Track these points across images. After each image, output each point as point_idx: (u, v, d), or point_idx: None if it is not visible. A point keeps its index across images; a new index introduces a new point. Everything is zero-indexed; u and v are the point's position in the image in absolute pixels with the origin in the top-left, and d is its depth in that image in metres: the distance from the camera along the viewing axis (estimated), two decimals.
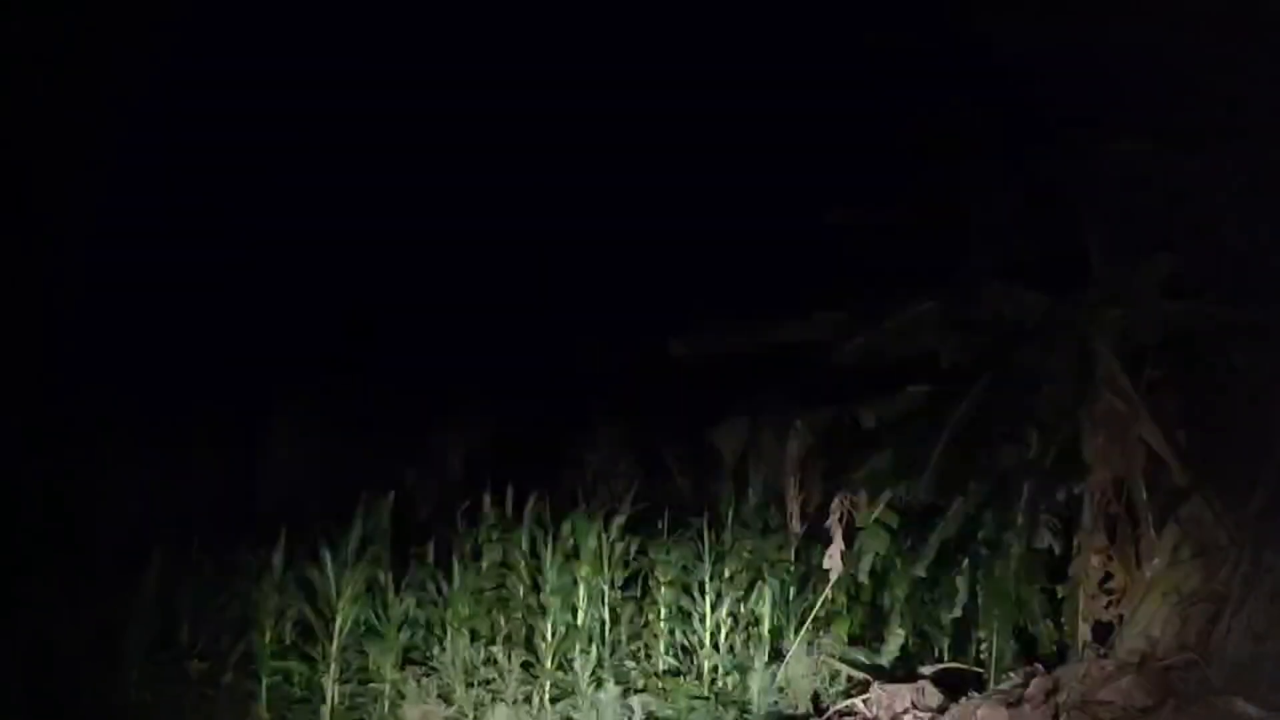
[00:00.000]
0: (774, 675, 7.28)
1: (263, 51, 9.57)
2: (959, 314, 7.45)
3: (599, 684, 7.27)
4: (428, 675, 7.53)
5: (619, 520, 7.92)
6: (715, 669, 7.49)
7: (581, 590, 7.75)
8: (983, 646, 7.04)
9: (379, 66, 9.91)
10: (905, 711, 6.71)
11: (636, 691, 7.28)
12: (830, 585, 7.47)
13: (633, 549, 7.97)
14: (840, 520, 7.41)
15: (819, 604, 7.50)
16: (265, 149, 9.95)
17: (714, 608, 7.63)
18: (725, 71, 10.15)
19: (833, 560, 7.32)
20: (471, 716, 7.34)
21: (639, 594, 7.90)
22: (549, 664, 7.55)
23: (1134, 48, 7.68)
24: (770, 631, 7.71)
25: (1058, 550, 6.92)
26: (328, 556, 7.62)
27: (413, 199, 10.35)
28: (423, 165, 10.39)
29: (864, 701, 6.87)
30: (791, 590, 7.81)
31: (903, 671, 7.25)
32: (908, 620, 7.47)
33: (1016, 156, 7.75)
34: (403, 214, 10.32)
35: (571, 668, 7.45)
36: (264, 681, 7.47)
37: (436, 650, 7.67)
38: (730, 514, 8.16)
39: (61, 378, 9.20)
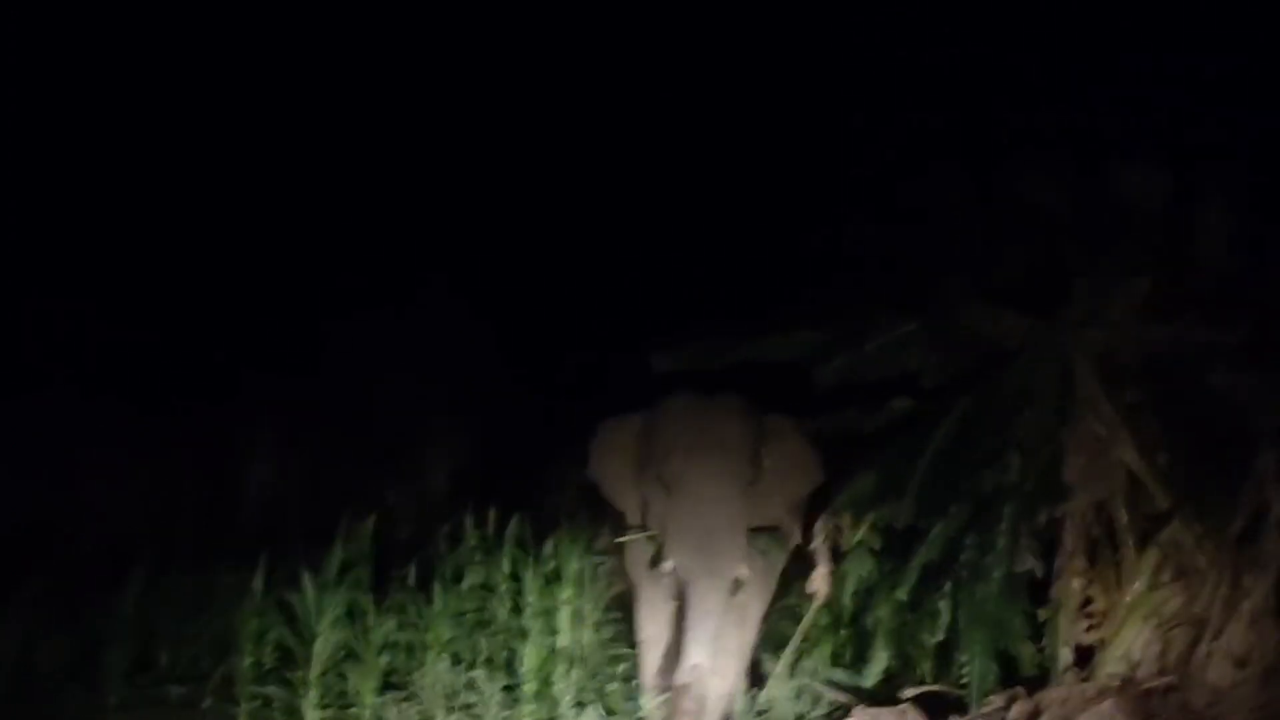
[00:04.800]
0: (754, 699, 7.28)
1: None
2: (940, 335, 7.46)
3: (580, 708, 7.26)
4: (408, 700, 7.49)
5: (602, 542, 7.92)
6: None
7: (564, 613, 7.72)
8: (965, 669, 7.02)
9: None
10: None
11: (618, 715, 7.26)
12: (814, 608, 7.47)
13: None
14: (825, 543, 7.43)
15: (803, 628, 7.47)
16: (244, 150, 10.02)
17: None
18: (709, 84, 10.20)
19: (819, 583, 7.33)
20: None
21: (621, 617, 7.85)
22: (530, 688, 7.54)
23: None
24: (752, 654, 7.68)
25: (1039, 573, 6.92)
26: (308, 580, 7.61)
27: (391, 207, 10.39)
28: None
29: None
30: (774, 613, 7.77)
31: (885, 694, 7.23)
32: (891, 643, 7.46)
33: (998, 176, 7.79)
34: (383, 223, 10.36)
35: (553, 692, 7.48)
36: (244, 706, 7.44)
37: (417, 674, 7.64)
38: None
39: (38, 393, 9.17)
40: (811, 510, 7.38)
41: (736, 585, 7.00)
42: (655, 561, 7.23)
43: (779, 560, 7.46)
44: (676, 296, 9.62)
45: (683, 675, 6.79)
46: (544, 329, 9.93)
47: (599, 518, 7.98)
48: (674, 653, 7.02)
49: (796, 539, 7.45)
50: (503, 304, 9.96)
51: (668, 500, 7.21)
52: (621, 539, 7.51)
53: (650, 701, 7.17)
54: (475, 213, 10.29)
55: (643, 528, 7.35)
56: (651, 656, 7.31)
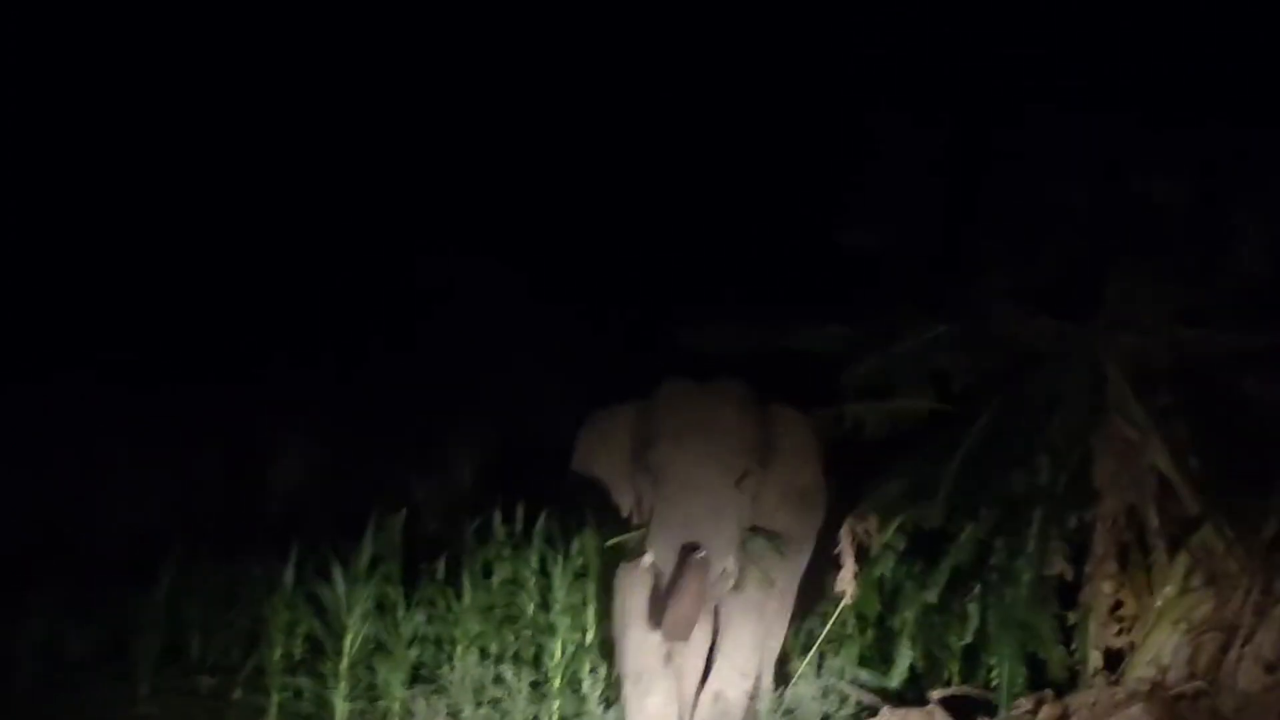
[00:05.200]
0: (782, 698, 7.29)
1: None
2: (971, 337, 7.46)
3: (608, 704, 7.28)
4: (436, 693, 7.53)
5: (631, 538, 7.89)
6: None
7: (592, 609, 7.74)
8: (993, 672, 7.01)
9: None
10: None
11: None
12: (840, 608, 7.45)
13: None
14: (852, 544, 7.40)
15: (828, 627, 7.46)
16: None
17: None
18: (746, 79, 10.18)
19: (844, 584, 7.30)
20: None
21: None
22: (558, 683, 7.56)
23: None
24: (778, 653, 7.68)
25: (1069, 577, 6.92)
26: (338, 573, 7.66)
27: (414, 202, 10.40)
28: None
29: None
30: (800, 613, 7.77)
31: (912, 695, 7.24)
32: (918, 644, 7.46)
33: (1031, 180, 7.78)
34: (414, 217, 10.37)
35: (581, 687, 7.50)
36: (274, 697, 7.50)
37: (446, 668, 7.68)
38: None
39: (68, 384, 9.23)
40: (837, 512, 7.34)
41: (725, 578, 6.80)
42: (636, 554, 6.96)
43: (798, 561, 7.25)
44: (711, 290, 9.59)
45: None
46: (576, 322, 9.93)
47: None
48: (652, 651, 6.84)
49: (808, 539, 7.27)
50: (534, 298, 9.97)
51: (654, 489, 6.93)
52: (614, 541, 7.33)
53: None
54: (505, 207, 10.30)
55: (637, 525, 7.13)
56: (629, 654, 6.98)
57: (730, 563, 6.78)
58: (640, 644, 6.84)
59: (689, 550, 6.58)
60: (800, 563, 7.27)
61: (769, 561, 7.01)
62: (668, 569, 6.68)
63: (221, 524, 9.08)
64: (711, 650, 7.01)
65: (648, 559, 6.80)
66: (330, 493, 9.24)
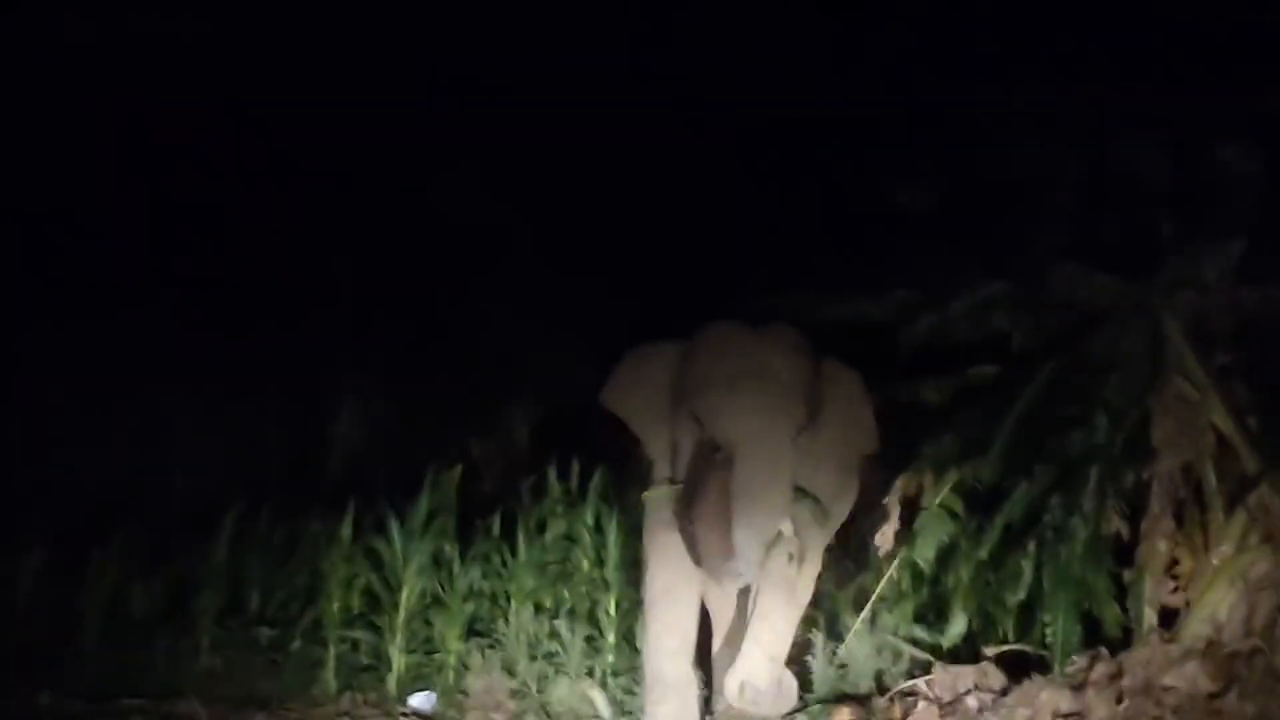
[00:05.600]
0: (834, 653, 7.29)
1: None
2: (1030, 296, 7.43)
3: None
4: (492, 647, 7.61)
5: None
6: None
7: None
8: (1047, 630, 6.97)
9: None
10: (968, 693, 6.67)
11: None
12: (894, 566, 7.43)
13: None
14: (899, 499, 7.37)
15: (881, 584, 7.45)
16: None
17: None
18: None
19: (884, 538, 7.24)
20: (535, 689, 7.42)
21: None
22: (612, 638, 7.62)
23: None
24: (831, 610, 7.70)
25: (1125, 535, 6.87)
26: (395, 528, 7.74)
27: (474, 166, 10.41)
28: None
29: (926, 682, 6.86)
30: (852, 569, 7.78)
31: (966, 653, 7.21)
32: (971, 602, 7.41)
33: (1090, 138, 7.74)
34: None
35: (635, 642, 7.54)
36: (332, 650, 7.62)
37: (501, 623, 7.75)
38: None
39: (127, 344, 9.32)
40: (891, 468, 7.32)
41: (778, 543, 6.51)
42: (681, 514, 6.66)
43: (829, 529, 7.07)
44: (767, 253, 9.58)
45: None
46: (634, 284, 9.90)
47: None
48: (687, 622, 6.72)
49: (845, 506, 7.15)
50: (593, 257, 9.95)
51: (702, 440, 6.55)
52: (651, 493, 6.99)
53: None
54: (562, 170, 10.30)
55: (671, 478, 6.82)
56: (660, 625, 6.84)
57: (787, 526, 6.50)
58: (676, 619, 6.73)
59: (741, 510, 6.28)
60: (831, 530, 7.13)
61: (808, 530, 6.83)
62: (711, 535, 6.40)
63: (281, 479, 9.17)
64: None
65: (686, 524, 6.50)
66: (388, 449, 9.32)
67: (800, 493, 6.75)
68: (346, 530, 7.92)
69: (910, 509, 7.37)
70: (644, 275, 9.84)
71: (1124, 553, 6.96)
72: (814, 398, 6.82)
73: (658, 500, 6.92)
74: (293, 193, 9.85)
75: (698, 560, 6.58)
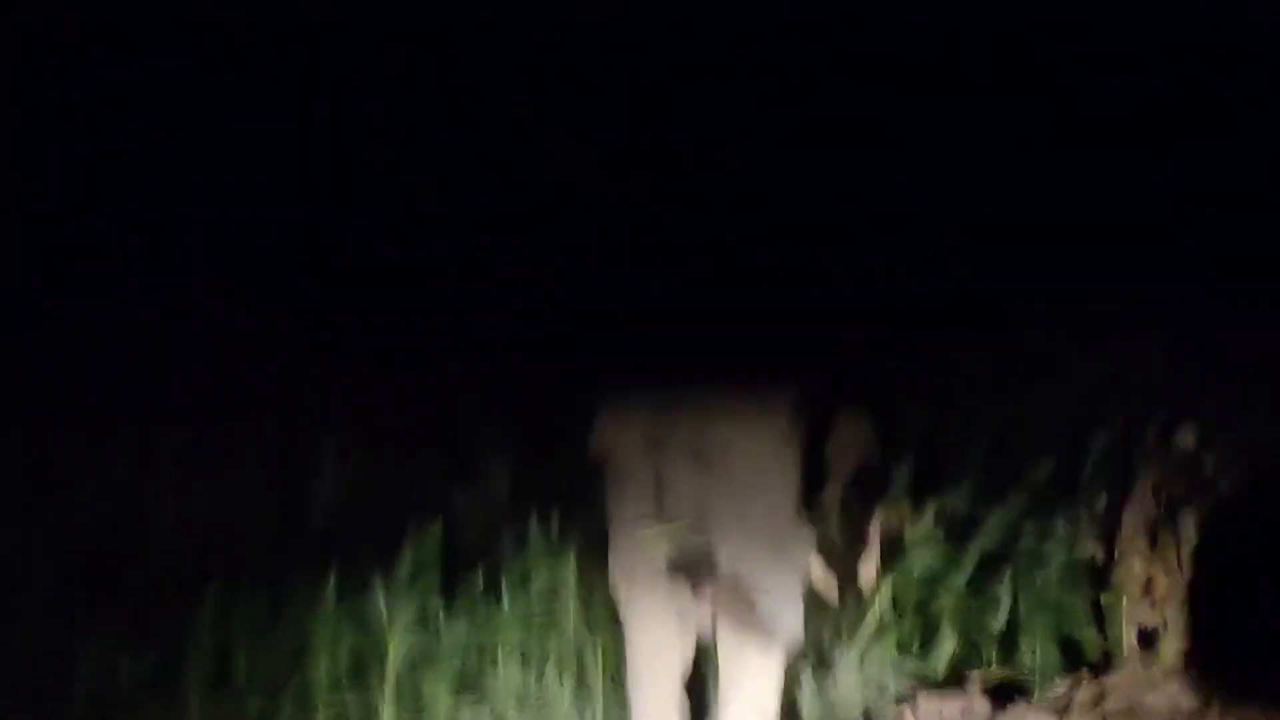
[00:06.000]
0: (821, 686, 7.33)
1: None
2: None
3: None
4: (481, 701, 7.61)
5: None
6: None
7: None
8: (1028, 656, 7.05)
9: None
10: None
11: None
12: (878, 595, 7.48)
13: None
14: (880, 530, 7.43)
15: (867, 615, 7.50)
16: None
17: None
18: None
19: (868, 572, 7.30)
20: None
21: None
22: (600, 686, 7.63)
23: None
24: (817, 643, 7.73)
25: (1099, 558, 6.95)
26: (380, 587, 7.75)
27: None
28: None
29: (912, 711, 6.91)
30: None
31: (951, 680, 7.28)
32: (956, 630, 7.48)
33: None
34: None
35: (623, 687, 7.52)
36: (321, 715, 7.61)
37: (489, 676, 7.75)
38: None
39: (106, 406, 9.31)
40: (867, 500, 7.37)
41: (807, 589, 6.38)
42: (684, 560, 6.36)
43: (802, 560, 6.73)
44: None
45: None
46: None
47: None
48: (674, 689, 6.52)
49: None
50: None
51: (706, 477, 6.23)
52: (648, 530, 6.53)
53: None
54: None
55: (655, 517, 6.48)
56: (646, 698, 6.65)
57: (818, 569, 6.43)
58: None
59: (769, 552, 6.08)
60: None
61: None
62: (744, 580, 6.15)
63: (263, 541, 9.14)
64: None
65: (720, 561, 6.17)
66: (368, 506, 9.29)
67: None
68: (330, 590, 7.91)
69: (890, 540, 7.46)
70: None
71: (1100, 576, 7.05)
72: (812, 426, 6.51)
73: (643, 546, 6.64)
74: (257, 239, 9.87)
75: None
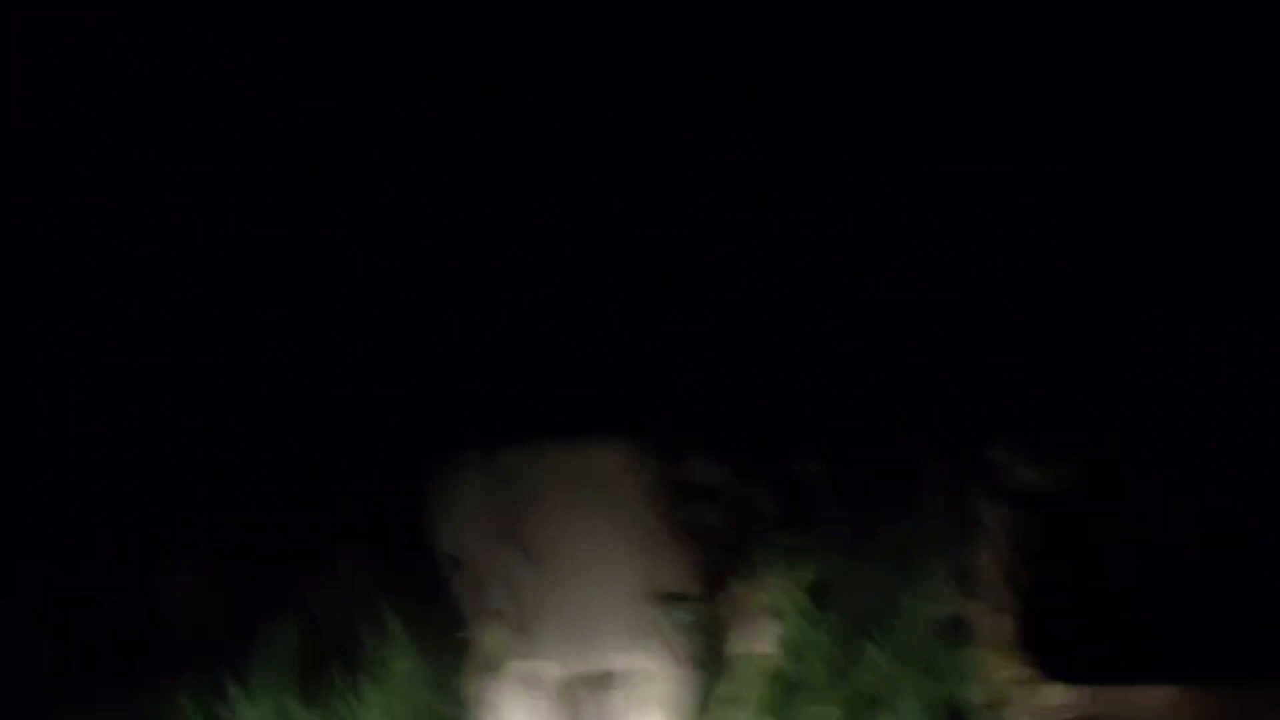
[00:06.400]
0: None
1: None
2: None
3: None
4: None
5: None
6: None
7: None
8: (900, 715, 6.99)
9: None
10: None
11: None
12: (748, 668, 7.41)
13: None
14: (755, 602, 7.38)
15: (734, 686, 7.41)
16: None
17: None
18: None
19: (747, 644, 7.25)
20: None
21: None
22: None
23: None
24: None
25: (963, 612, 6.94)
26: (236, 691, 7.53)
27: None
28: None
29: None
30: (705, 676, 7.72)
31: None
32: (829, 695, 7.41)
33: None
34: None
35: None
36: None
37: None
38: None
39: None
40: (730, 573, 7.32)
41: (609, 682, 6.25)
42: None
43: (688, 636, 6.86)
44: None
45: None
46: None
47: None
48: None
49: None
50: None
51: (536, 574, 6.22)
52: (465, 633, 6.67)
53: None
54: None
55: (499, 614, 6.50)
56: None
57: (621, 662, 6.23)
58: None
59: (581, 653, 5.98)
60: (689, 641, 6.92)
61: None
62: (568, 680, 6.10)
63: (115, 652, 8.86)
64: None
65: (523, 668, 6.19)
66: (219, 606, 9.05)
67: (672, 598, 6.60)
68: (186, 699, 7.67)
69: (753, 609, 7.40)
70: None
71: (965, 630, 7.03)
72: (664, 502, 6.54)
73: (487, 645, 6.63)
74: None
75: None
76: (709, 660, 7.49)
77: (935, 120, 8.59)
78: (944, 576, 6.89)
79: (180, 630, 9.27)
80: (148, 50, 9.08)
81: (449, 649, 7.82)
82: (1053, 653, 6.88)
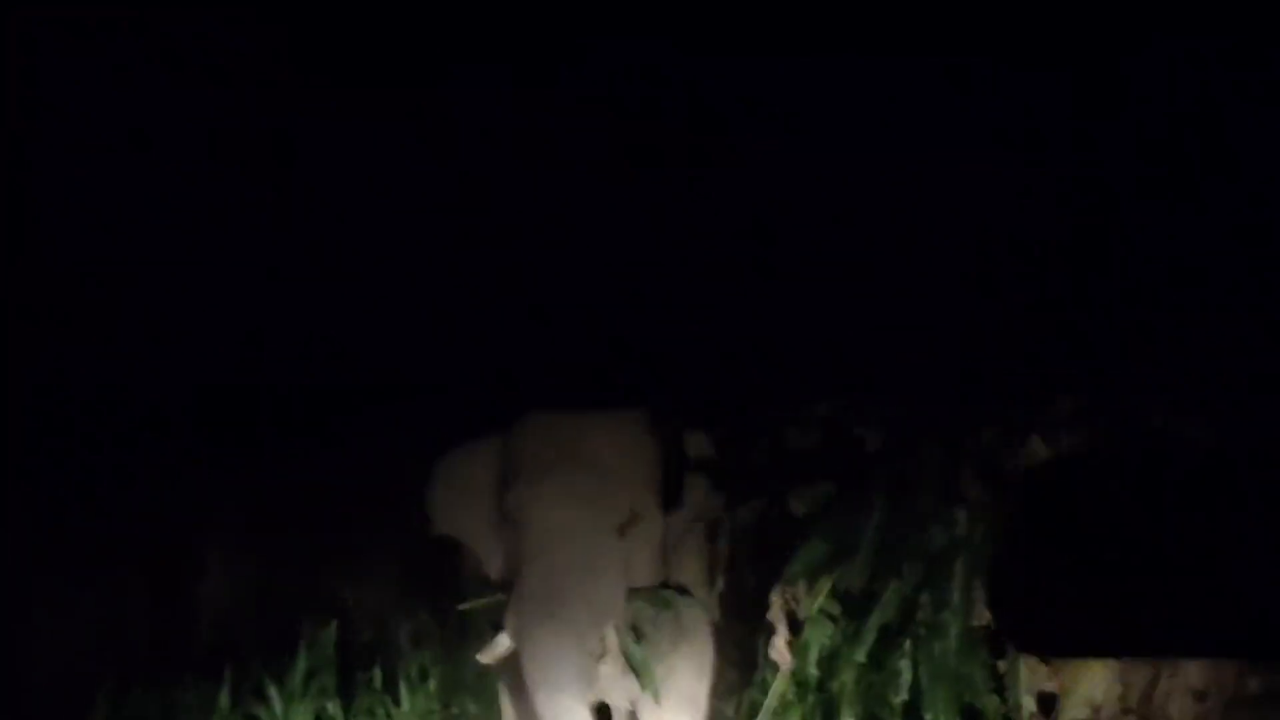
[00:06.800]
0: None
1: None
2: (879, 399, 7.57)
3: None
4: None
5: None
6: None
7: None
8: None
9: None
10: None
11: None
12: (780, 677, 7.43)
13: None
14: (782, 611, 7.41)
15: (770, 699, 7.44)
16: None
17: None
18: None
19: (779, 653, 7.28)
20: None
21: None
22: None
23: None
24: None
25: (995, 625, 6.95)
26: (274, 691, 7.61)
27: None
28: None
29: None
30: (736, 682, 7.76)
31: None
32: (856, 706, 7.44)
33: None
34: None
35: None
36: None
37: None
38: None
39: None
40: (763, 580, 7.35)
41: (599, 657, 5.98)
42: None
43: (699, 622, 6.76)
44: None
45: None
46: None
47: None
48: None
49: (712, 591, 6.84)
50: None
51: (517, 544, 5.88)
52: (468, 606, 6.55)
53: None
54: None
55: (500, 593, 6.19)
56: None
57: (608, 642, 5.90)
58: None
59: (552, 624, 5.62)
60: (704, 628, 6.89)
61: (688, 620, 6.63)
62: (528, 650, 5.78)
63: (152, 651, 8.97)
64: None
65: (503, 641, 5.88)
66: (260, 609, 9.15)
67: (666, 587, 6.43)
68: (224, 699, 7.75)
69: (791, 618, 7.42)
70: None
71: (997, 642, 7.05)
72: (649, 477, 6.24)
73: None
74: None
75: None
76: (741, 665, 7.57)
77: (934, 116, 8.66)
78: (977, 588, 6.90)
79: (217, 629, 9.40)
80: (148, 50, 9.17)
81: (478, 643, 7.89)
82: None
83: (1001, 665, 7.02)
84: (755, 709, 7.50)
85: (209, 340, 9.98)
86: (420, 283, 9.71)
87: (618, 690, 6.21)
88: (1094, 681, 6.92)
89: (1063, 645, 6.84)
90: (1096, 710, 6.85)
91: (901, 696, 7.27)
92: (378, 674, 7.96)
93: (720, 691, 7.68)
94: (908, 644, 7.08)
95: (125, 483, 9.44)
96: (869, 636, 7.11)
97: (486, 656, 6.09)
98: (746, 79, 8.96)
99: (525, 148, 9.54)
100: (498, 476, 6.18)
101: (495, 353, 9.54)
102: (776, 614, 7.32)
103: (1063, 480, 7.05)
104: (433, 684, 7.95)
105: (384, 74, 9.19)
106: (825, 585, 7.32)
